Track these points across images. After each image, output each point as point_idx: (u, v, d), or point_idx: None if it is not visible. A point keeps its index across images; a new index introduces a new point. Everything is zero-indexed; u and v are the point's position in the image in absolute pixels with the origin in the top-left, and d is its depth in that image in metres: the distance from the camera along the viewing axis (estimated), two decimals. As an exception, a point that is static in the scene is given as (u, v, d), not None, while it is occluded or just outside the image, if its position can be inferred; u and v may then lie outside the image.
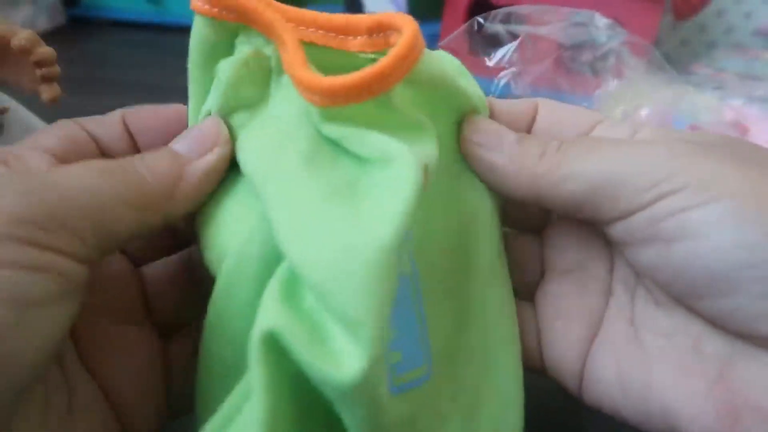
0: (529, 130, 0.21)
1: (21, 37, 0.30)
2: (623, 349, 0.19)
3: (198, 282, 0.19)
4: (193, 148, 0.18)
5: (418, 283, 0.18)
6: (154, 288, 0.20)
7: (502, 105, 0.21)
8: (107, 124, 0.19)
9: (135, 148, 0.20)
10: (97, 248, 0.15)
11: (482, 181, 0.20)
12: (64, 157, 0.17)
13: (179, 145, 0.18)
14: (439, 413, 0.18)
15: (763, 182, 0.16)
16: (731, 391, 0.17)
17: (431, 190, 0.17)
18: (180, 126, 0.19)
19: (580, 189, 0.18)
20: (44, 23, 0.71)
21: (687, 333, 0.18)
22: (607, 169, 0.17)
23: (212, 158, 0.17)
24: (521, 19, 0.30)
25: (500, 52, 0.29)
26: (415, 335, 0.17)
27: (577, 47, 0.31)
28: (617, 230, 0.18)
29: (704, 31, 0.77)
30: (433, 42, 0.34)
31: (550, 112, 0.21)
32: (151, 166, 0.17)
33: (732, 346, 0.17)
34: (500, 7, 0.32)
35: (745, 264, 0.15)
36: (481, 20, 0.29)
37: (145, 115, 0.20)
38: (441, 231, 0.19)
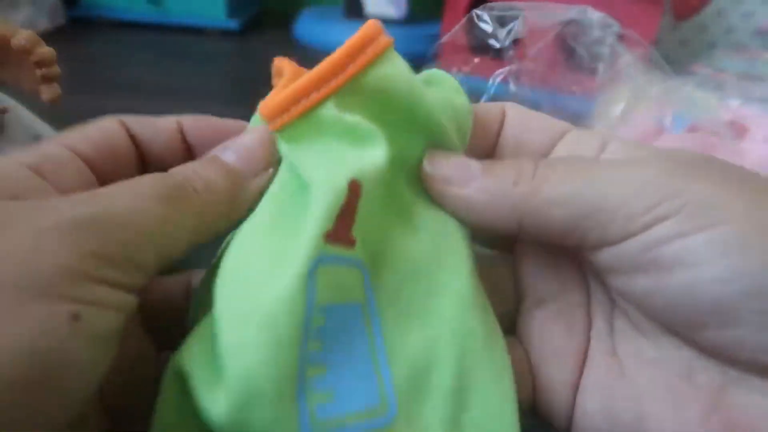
0: (497, 135, 0.20)
1: (21, 37, 0.30)
2: (609, 383, 0.18)
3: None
4: (248, 165, 0.17)
5: (375, 311, 0.16)
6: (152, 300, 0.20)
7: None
8: (160, 130, 0.18)
9: (187, 159, 0.19)
10: (149, 275, 0.15)
11: (455, 216, 0.18)
12: (100, 167, 0.17)
13: (234, 158, 0.17)
14: None
15: (758, 206, 0.15)
16: (729, 420, 0.16)
17: (393, 212, 0.17)
18: None
19: (567, 215, 0.17)
20: (44, 23, 0.71)
21: (676, 361, 0.17)
22: (597, 193, 0.16)
23: (265, 179, 0.17)
24: (515, 13, 0.30)
25: (503, 31, 0.29)
26: (366, 369, 0.16)
27: (573, 37, 0.31)
28: (605, 257, 0.17)
29: (704, 31, 0.77)
30: (433, 42, 0.34)
31: (518, 117, 0.20)
32: (211, 186, 0.16)
33: (725, 374, 0.16)
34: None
35: (746, 294, 0.15)
36: (479, 12, 0.29)
37: (205, 126, 0.19)
38: (404, 252, 0.17)
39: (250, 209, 0.17)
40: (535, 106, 0.21)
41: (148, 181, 0.15)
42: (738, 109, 0.39)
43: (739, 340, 0.15)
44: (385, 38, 0.16)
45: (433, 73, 0.20)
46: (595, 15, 0.31)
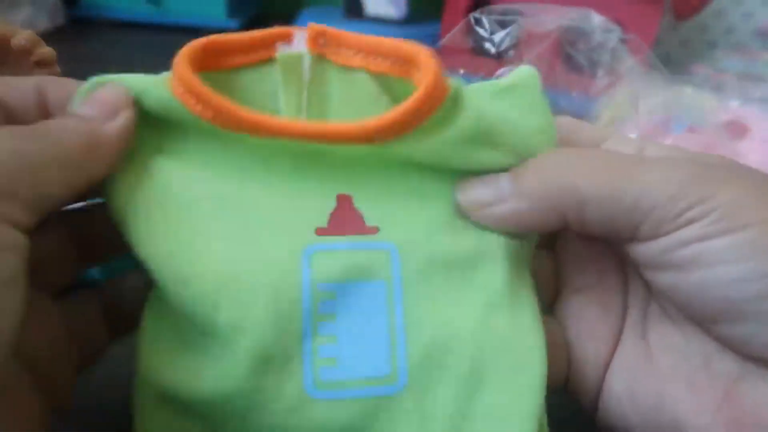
0: None
1: (21, 37, 0.30)
2: (637, 365, 0.19)
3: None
4: (100, 112, 0.17)
5: (400, 290, 0.17)
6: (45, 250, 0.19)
7: None
8: (20, 90, 0.18)
9: (46, 118, 0.18)
10: (35, 213, 0.15)
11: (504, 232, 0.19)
12: None
13: (84, 109, 0.18)
14: (408, 428, 0.17)
15: None
16: (739, 409, 0.17)
17: (436, 209, 0.19)
18: None
19: (604, 214, 0.17)
20: (44, 23, 0.71)
21: (699, 350, 0.18)
22: (634, 194, 0.17)
23: (121, 122, 0.17)
24: (517, 15, 0.30)
25: (499, 35, 0.29)
26: (380, 342, 0.17)
27: (573, 41, 0.31)
28: (635, 251, 0.18)
29: (704, 31, 0.77)
30: (433, 42, 0.34)
31: (566, 123, 0.21)
32: (64, 128, 0.17)
33: (742, 366, 0.17)
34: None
35: (764, 295, 0.15)
36: (477, 16, 0.29)
37: (66, 89, 0.18)
38: (443, 245, 0.18)
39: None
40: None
41: (3, 126, 0.16)
42: (738, 110, 0.39)
43: (753, 334, 0.16)
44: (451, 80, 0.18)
45: (520, 77, 0.20)
46: (597, 19, 0.31)
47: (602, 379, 0.20)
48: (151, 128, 0.18)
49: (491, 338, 0.18)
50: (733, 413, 0.17)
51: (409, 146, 0.18)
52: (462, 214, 0.19)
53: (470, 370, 0.17)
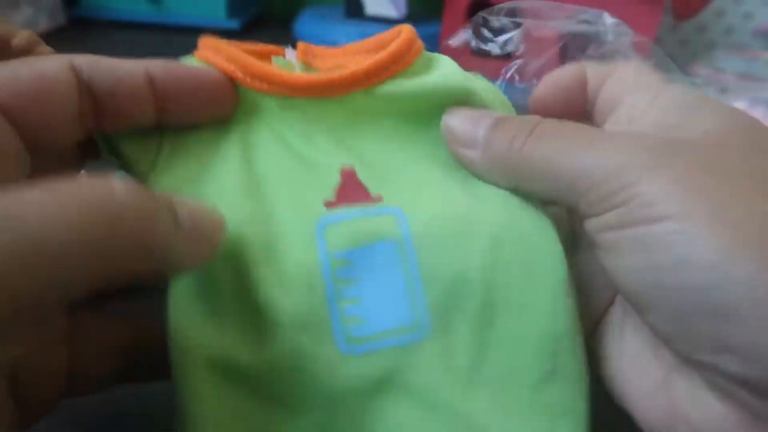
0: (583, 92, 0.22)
1: (21, 37, 0.30)
2: (608, 342, 0.20)
3: None
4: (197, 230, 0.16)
5: (412, 246, 0.19)
6: None
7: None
8: (124, 78, 0.18)
9: (152, 112, 0.19)
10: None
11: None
12: (22, 119, 0.16)
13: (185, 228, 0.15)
14: (436, 368, 0.18)
15: (723, 208, 0.15)
16: (671, 400, 0.17)
17: (433, 171, 0.21)
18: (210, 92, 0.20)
19: (546, 187, 0.18)
20: (44, 23, 0.71)
21: (650, 332, 0.18)
22: (573, 173, 0.17)
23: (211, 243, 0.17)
24: (524, 15, 0.30)
25: (503, 38, 0.29)
26: (401, 296, 0.19)
27: (582, 42, 0.31)
28: (583, 226, 0.18)
29: (704, 31, 0.77)
30: (433, 42, 0.34)
31: (622, 74, 0.22)
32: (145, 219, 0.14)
33: (675, 358, 0.17)
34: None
35: (654, 286, 0.16)
36: (485, 15, 0.29)
37: (177, 75, 0.19)
38: (445, 201, 0.20)
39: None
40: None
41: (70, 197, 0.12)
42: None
43: (652, 325, 0.16)
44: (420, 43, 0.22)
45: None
46: (609, 20, 0.31)
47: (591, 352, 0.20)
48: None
49: (497, 273, 0.19)
50: (664, 402, 0.17)
51: (394, 87, 0.21)
52: (453, 161, 0.21)
53: (482, 305, 0.19)
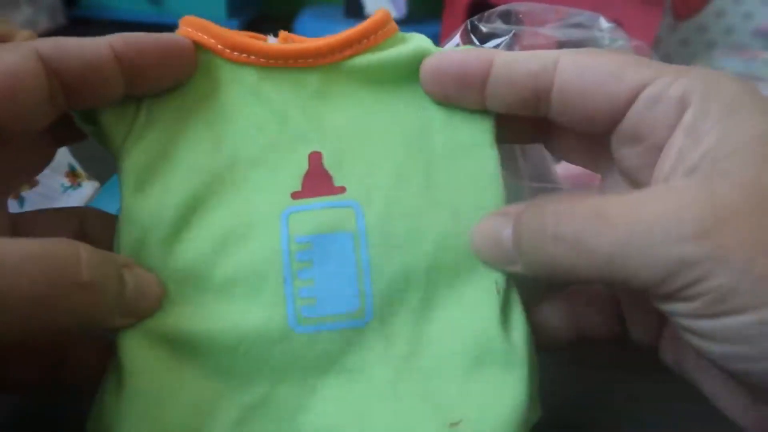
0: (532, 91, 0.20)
1: (21, 37, 0.30)
2: None
3: None
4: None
5: (365, 239, 0.21)
6: None
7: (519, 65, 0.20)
8: (88, 57, 0.18)
9: (120, 86, 0.19)
10: None
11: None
12: None
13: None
14: (375, 353, 0.20)
15: None
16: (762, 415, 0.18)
17: (391, 166, 0.22)
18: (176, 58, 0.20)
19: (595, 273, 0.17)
20: (44, 23, 0.71)
21: None
22: (619, 270, 0.16)
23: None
24: (519, 17, 0.30)
25: (491, 44, 0.29)
26: (350, 283, 0.20)
27: (577, 46, 0.31)
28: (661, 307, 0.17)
29: (704, 31, 0.77)
30: (432, 42, 0.34)
31: (572, 69, 0.19)
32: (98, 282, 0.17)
33: None
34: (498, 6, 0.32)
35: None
36: (476, 22, 0.29)
37: (141, 47, 0.19)
38: (401, 199, 0.21)
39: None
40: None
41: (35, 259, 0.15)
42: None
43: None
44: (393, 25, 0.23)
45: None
46: (605, 24, 0.30)
47: None
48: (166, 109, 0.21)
49: (440, 274, 0.21)
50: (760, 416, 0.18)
51: (361, 60, 0.22)
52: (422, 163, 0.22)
53: (422, 300, 0.21)
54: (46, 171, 0.33)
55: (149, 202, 0.20)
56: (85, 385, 0.20)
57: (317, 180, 0.21)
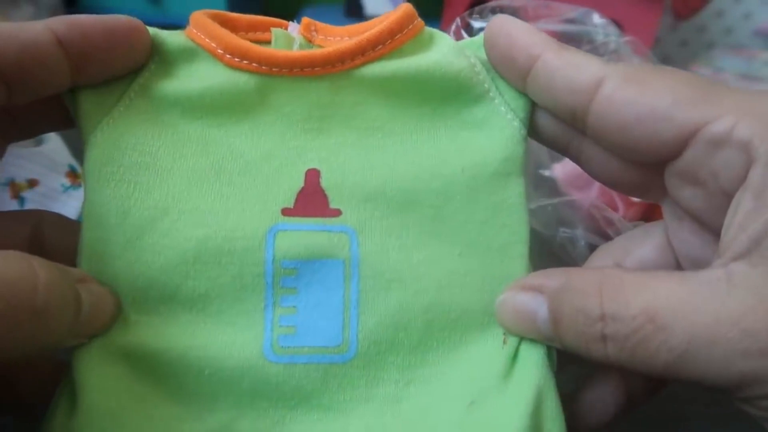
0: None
1: None
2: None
3: None
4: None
5: (357, 269, 0.19)
6: None
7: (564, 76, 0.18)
8: (26, 45, 0.16)
9: (64, 75, 0.17)
10: None
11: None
12: None
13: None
14: (356, 393, 0.19)
15: None
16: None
17: (393, 192, 0.20)
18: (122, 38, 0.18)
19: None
20: (45, 23, 0.71)
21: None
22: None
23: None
24: (513, 13, 0.30)
25: None
26: (335, 315, 0.19)
27: (573, 42, 0.31)
28: None
29: (703, 31, 0.77)
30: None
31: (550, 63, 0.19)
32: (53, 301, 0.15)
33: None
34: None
35: None
36: (467, 19, 0.29)
37: (84, 30, 0.17)
38: (401, 228, 0.20)
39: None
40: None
41: None
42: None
43: None
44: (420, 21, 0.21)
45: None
46: (599, 20, 0.30)
47: None
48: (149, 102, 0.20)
49: (440, 316, 0.19)
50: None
51: (375, 69, 0.20)
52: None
53: (417, 344, 0.19)
54: (46, 171, 0.33)
55: (114, 200, 0.18)
56: (39, 403, 0.19)
57: (311, 199, 0.19)
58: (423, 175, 0.20)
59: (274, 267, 0.19)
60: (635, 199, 0.32)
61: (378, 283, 0.19)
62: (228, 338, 0.18)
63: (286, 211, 0.19)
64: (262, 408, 0.18)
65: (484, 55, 0.20)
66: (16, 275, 0.14)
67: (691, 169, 0.17)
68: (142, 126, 0.19)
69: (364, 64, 0.20)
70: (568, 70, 0.18)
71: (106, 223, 0.18)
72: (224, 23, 0.20)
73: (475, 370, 0.19)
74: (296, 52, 0.20)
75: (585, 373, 0.21)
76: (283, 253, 0.19)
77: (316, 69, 0.20)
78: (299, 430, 0.18)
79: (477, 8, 0.29)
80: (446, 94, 0.20)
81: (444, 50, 0.20)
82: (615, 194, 0.33)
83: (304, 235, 0.19)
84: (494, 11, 0.29)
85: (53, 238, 0.20)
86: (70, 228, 0.19)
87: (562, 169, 0.35)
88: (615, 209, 0.33)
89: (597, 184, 0.34)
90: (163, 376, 0.18)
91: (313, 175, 0.20)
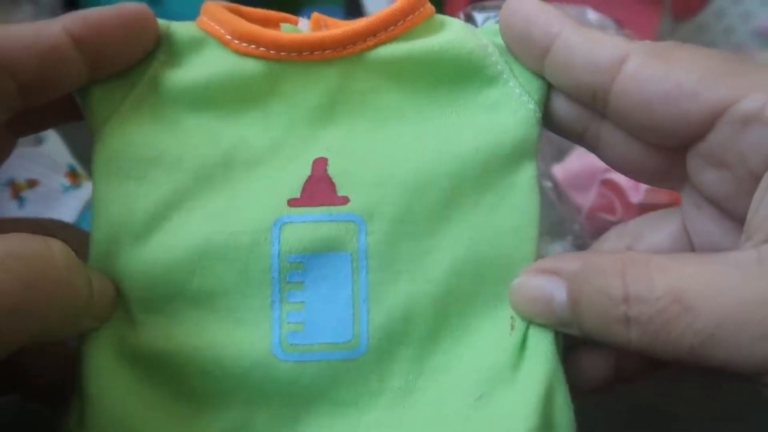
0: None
1: None
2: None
3: None
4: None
5: (365, 261, 0.19)
6: None
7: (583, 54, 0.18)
8: (41, 44, 0.16)
9: (79, 71, 0.17)
10: None
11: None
12: None
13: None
14: (369, 388, 0.18)
15: None
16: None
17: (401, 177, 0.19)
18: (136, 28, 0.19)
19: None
20: (45, 23, 0.71)
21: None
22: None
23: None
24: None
25: None
26: (344, 310, 0.18)
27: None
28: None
29: (703, 31, 0.77)
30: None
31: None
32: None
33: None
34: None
35: None
36: (470, 11, 0.29)
37: (98, 27, 0.17)
38: (409, 214, 0.19)
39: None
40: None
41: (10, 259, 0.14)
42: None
43: None
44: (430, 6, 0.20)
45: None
46: (592, 16, 0.31)
47: None
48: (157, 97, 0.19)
49: (450, 304, 0.19)
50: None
51: (385, 51, 0.19)
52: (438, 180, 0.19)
53: (428, 334, 0.19)
54: (47, 171, 0.33)
55: (122, 195, 0.18)
56: (47, 386, 0.20)
57: (318, 187, 0.19)
58: (435, 158, 0.19)
59: (280, 261, 0.18)
60: (634, 201, 0.32)
61: (387, 275, 0.19)
62: (236, 337, 0.18)
63: (292, 202, 0.19)
64: (274, 406, 0.18)
65: (498, 41, 0.20)
66: (36, 249, 0.15)
67: (717, 150, 0.16)
68: (150, 120, 0.19)
69: (376, 45, 0.19)
70: (590, 46, 0.17)
71: (114, 221, 0.18)
72: (238, 14, 0.20)
73: (484, 360, 0.18)
74: (306, 34, 0.20)
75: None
76: (289, 247, 0.18)
77: (327, 52, 0.19)
78: (313, 426, 0.18)
79: (478, 5, 0.29)
80: (459, 76, 0.20)
81: (456, 30, 0.20)
82: (614, 197, 0.34)
83: (311, 226, 0.19)
84: (495, 10, 0.30)
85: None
86: (84, 240, 0.19)
87: (563, 169, 0.35)
88: (613, 213, 0.33)
89: (596, 186, 0.34)
90: (171, 377, 0.18)
91: (320, 164, 0.19)
